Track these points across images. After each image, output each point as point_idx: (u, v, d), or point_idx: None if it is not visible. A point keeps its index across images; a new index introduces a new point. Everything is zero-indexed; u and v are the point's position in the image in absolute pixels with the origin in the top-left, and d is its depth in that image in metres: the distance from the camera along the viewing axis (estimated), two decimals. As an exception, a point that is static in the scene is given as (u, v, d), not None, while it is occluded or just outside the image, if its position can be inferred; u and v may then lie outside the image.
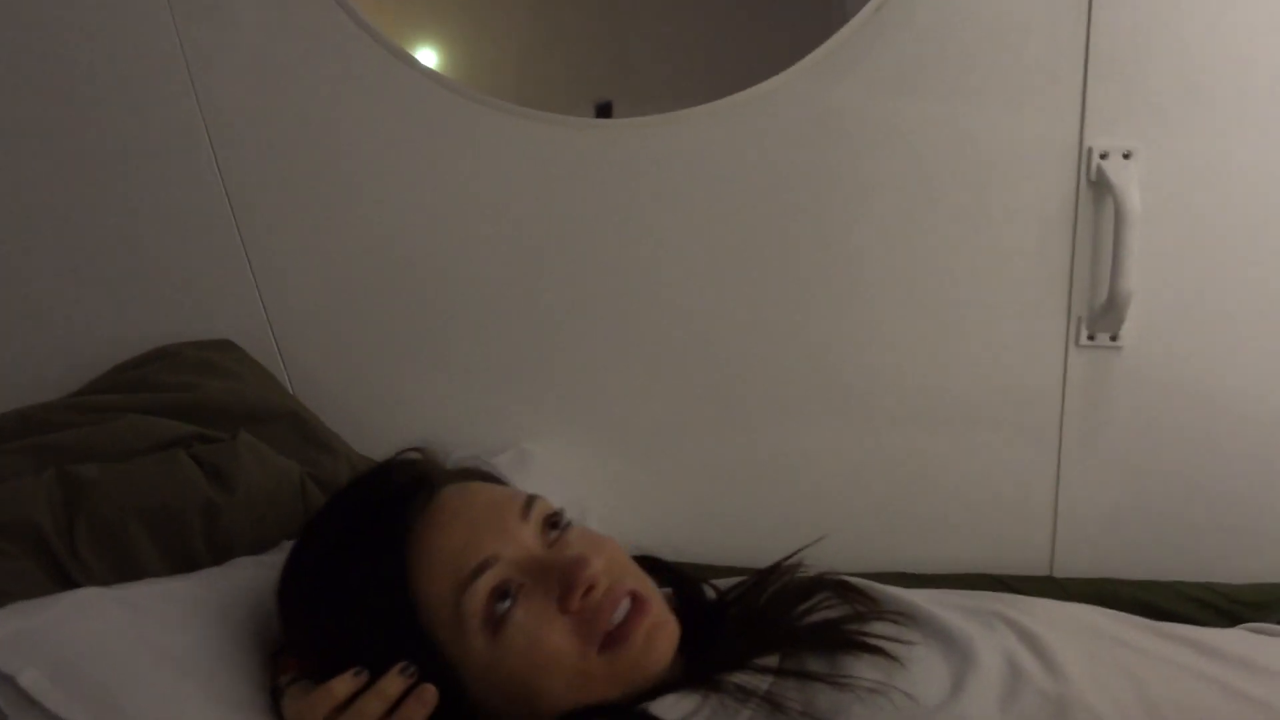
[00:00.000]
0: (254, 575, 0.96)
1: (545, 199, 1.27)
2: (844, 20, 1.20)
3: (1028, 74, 1.19)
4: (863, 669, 0.84)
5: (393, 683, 0.79)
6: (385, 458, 0.96)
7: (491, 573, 0.81)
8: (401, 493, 0.86)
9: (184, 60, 1.23)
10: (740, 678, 0.84)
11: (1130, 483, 1.31)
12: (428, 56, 1.88)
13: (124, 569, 0.98)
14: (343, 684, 0.79)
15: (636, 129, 1.24)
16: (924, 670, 0.85)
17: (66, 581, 0.95)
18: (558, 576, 0.82)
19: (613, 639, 0.82)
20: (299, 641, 0.87)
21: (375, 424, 1.33)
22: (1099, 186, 1.20)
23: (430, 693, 0.79)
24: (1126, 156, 1.20)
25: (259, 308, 1.31)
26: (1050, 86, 1.19)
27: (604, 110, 1.30)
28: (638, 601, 0.85)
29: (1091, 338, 1.26)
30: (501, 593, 0.81)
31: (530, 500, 0.88)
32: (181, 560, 1.01)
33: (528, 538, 0.85)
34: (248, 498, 1.06)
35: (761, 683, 0.84)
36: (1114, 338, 1.25)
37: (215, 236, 1.28)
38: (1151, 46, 1.17)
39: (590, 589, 0.82)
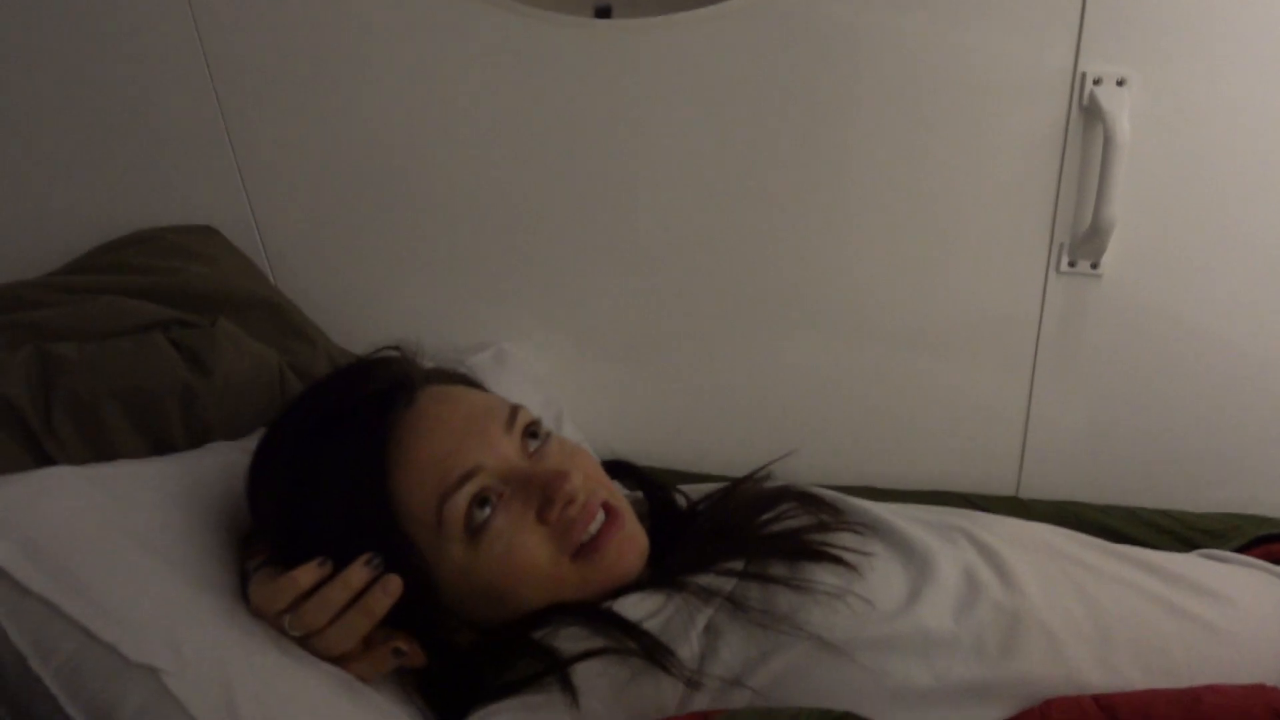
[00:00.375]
0: (228, 460, 0.96)
1: (537, 99, 1.25)
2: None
3: (1026, -5, 1.18)
4: (823, 575, 0.86)
5: (357, 573, 0.80)
6: (365, 352, 0.96)
7: (475, 481, 0.83)
8: (383, 391, 0.86)
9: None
10: (704, 579, 0.86)
11: (1100, 410, 1.33)
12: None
13: (100, 448, 0.99)
14: (307, 573, 0.80)
15: (632, 31, 1.22)
16: (882, 578, 0.87)
17: (42, 458, 0.96)
18: (538, 488, 0.85)
19: (586, 549, 0.86)
20: (268, 527, 0.88)
21: (354, 318, 1.34)
22: (1090, 113, 1.20)
23: (395, 583, 0.80)
24: (1120, 84, 1.19)
25: (242, 196, 1.30)
26: (1048, 9, 1.17)
27: (603, 12, 1.27)
28: (611, 514, 0.88)
29: (1073, 264, 1.26)
30: (482, 500, 0.83)
31: (514, 411, 0.89)
32: (157, 443, 1.02)
33: (509, 448, 0.87)
34: (225, 383, 1.06)
35: (725, 584, 0.86)
36: (1094, 266, 1.26)
37: (200, 123, 1.27)
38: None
39: (569, 502, 0.85)
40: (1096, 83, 1.19)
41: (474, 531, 0.83)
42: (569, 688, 0.79)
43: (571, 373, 1.36)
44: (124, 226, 1.26)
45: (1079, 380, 1.31)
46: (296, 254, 1.33)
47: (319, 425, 0.86)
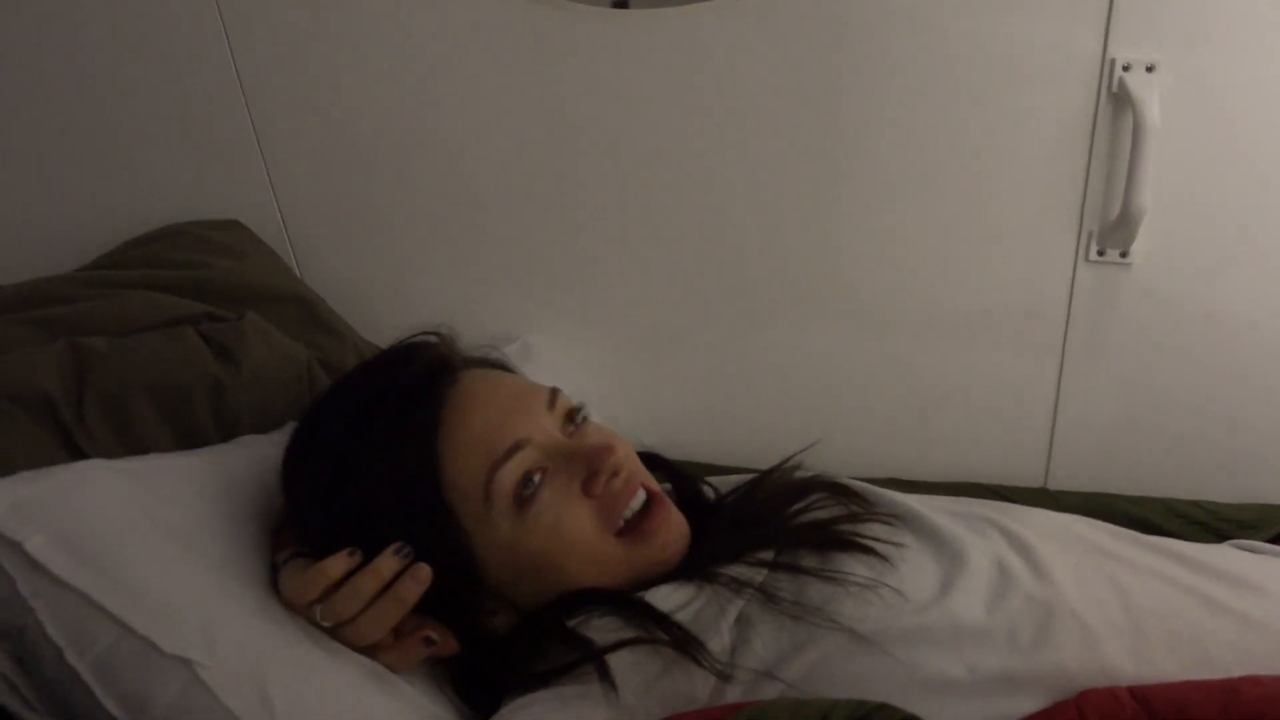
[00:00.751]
0: (258, 453, 0.97)
1: (559, 89, 1.25)
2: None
3: (1055, -19, 1.17)
4: (855, 566, 0.85)
5: (387, 562, 0.80)
6: (393, 343, 0.97)
7: (524, 454, 0.84)
8: (427, 373, 0.88)
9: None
10: (735, 570, 0.86)
11: (1129, 399, 1.32)
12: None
13: (131, 442, 0.99)
14: (337, 563, 0.80)
15: (653, 19, 1.22)
16: (914, 569, 0.86)
17: (75, 451, 0.96)
18: (584, 461, 0.86)
19: (632, 528, 0.88)
20: (306, 515, 0.88)
21: (380, 311, 1.34)
22: (1119, 99, 1.19)
23: (425, 571, 0.81)
24: (1150, 70, 1.18)
25: (269, 190, 1.30)
26: (1077, -5, 1.17)
27: (621, 2, 1.27)
28: (654, 497, 0.90)
29: (1101, 253, 1.25)
30: (530, 474, 0.84)
31: (554, 392, 0.91)
32: (187, 436, 1.02)
33: (551, 426, 0.88)
34: (254, 377, 1.06)
35: (755, 575, 0.86)
36: (1124, 254, 1.25)
37: (226, 117, 1.27)
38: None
39: (614, 474, 0.87)
40: (1126, 69, 1.18)
41: (522, 504, 0.84)
42: (606, 677, 0.79)
43: (596, 365, 1.36)
44: (152, 221, 1.27)
45: (1108, 370, 1.30)
46: (322, 247, 1.33)
47: (364, 408, 0.87)
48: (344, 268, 1.34)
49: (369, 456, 0.84)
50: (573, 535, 0.85)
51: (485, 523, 0.84)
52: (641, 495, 0.89)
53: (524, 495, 0.84)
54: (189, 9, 1.22)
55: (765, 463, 1.05)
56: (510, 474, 0.83)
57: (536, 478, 0.84)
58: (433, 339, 0.95)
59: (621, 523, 0.87)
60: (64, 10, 1.22)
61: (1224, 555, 0.96)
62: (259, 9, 1.23)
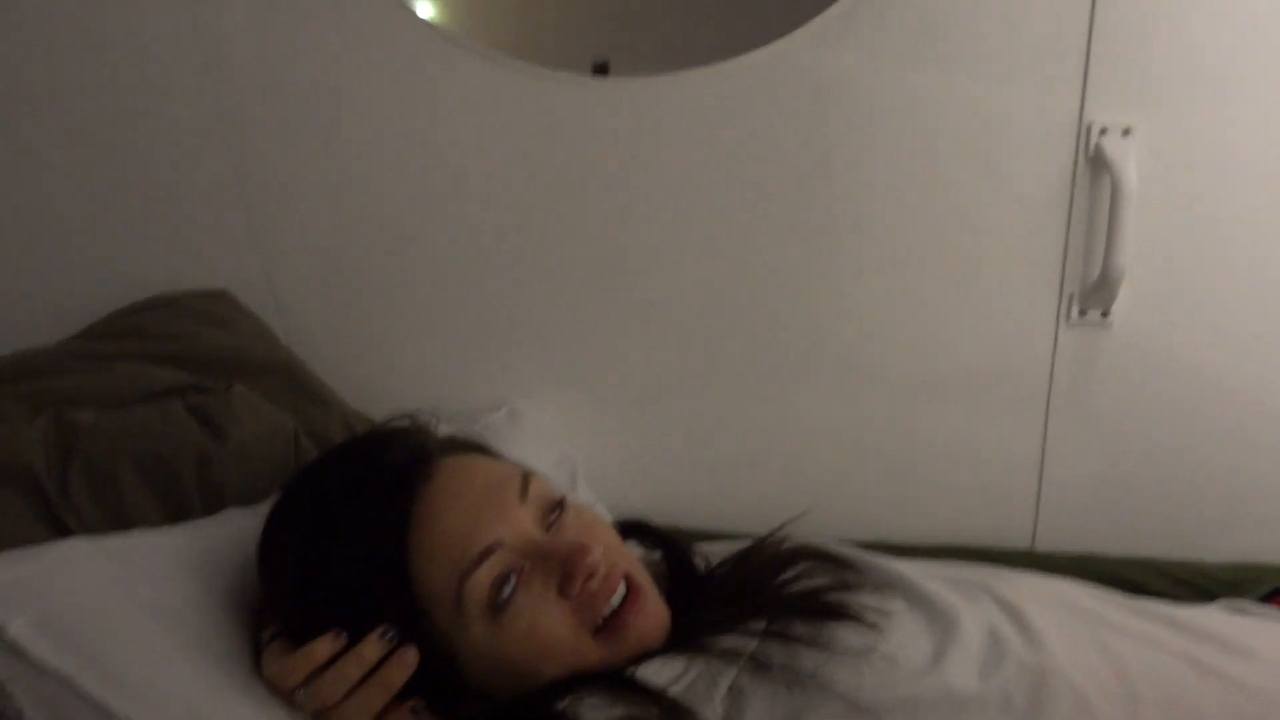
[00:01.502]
0: (243, 527, 0.95)
1: (541, 156, 1.26)
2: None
3: (1030, 47, 1.19)
4: (847, 634, 0.85)
5: (372, 647, 0.79)
6: (380, 417, 0.96)
7: (495, 559, 0.82)
8: (400, 465, 0.85)
9: (190, 6, 1.21)
10: (726, 640, 0.86)
11: (1115, 460, 1.32)
12: (424, 9, 1.86)
13: (117, 516, 0.99)
14: (322, 646, 0.79)
15: (634, 88, 1.24)
16: (907, 637, 0.86)
17: (59, 526, 0.96)
18: (559, 563, 0.83)
19: (608, 626, 0.85)
20: (279, 603, 0.87)
21: (368, 378, 1.34)
22: (1097, 163, 1.20)
23: (411, 655, 0.80)
24: (1126, 133, 1.20)
25: (257, 259, 1.31)
26: (1052, 61, 1.18)
27: (601, 69, 1.28)
28: (632, 588, 0.87)
29: (1083, 314, 1.26)
30: (502, 578, 0.82)
31: (527, 479, 0.88)
32: (174, 508, 1.02)
33: (526, 520, 0.86)
34: (240, 449, 1.06)
35: (747, 645, 0.85)
36: (1105, 315, 1.26)
37: (215, 187, 1.28)
38: (1155, 24, 1.16)
39: (590, 576, 0.84)
40: (1102, 132, 1.20)
41: (495, 610, 0.81)
42: None
43: (584, 429, 1.36)
44: (141, 290, 1.27)
45: (1093, 429, 1.31)
46: (311, 316, 1.33)
47: (335, 500, 0.85)
48: (332, 336, 1.34)
49: (340, 555, 0.82)
50: (549, 638, 0.83)
51: (459, 625, 0.82)
52: (621, 590, 0.86)
53: (498, 601, 0.81)
54: (182, 79, 1.23)
55: (754, 525, 1.05)
56: (481, 581, 0.81)
57: (511, 580, 0.82)
58: (408, 423, 0.93)
59: (600, 620, 0.85)
60: (56, 79, 1.23)
61: (1216, 618, 0.97)
62: (250, 81, 1.24)
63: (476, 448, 0.95)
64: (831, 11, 1.19)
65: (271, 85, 1.25)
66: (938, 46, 1.19)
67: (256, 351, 1.22)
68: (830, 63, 1.20)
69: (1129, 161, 1.18)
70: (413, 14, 1.22)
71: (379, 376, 1.34)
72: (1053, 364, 1.29)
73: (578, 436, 1.35)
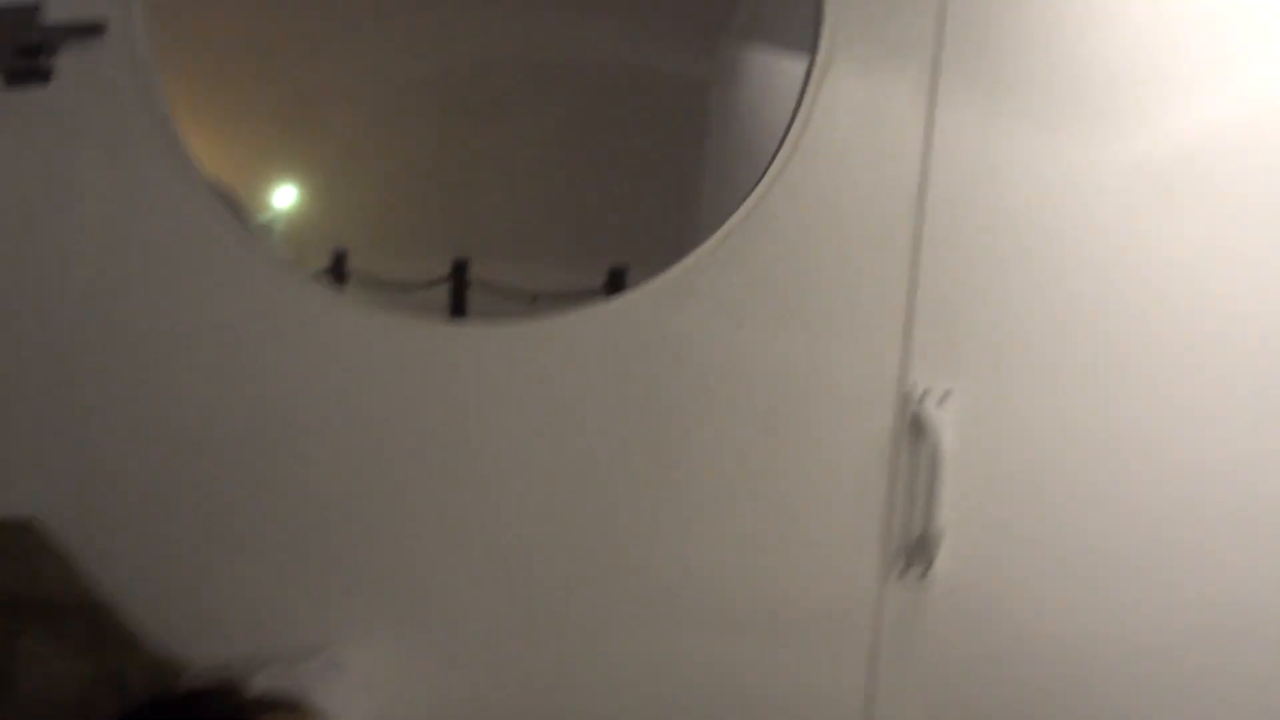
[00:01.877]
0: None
1: (387, 396, 1.26)
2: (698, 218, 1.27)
3: (856, 313, 1.25)
4: None
5: None
6: (192, 659, 0.91)
7: None
8: None
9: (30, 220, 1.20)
10: None
11: (940, 711, 1.33)
12: (286, 195, 1.87)
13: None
14: None
15: (485, 334, 1.26)
16: None
17: None
18: None
19: None
20: None
21: (189, 611, 1.28)
22: (916, 425, 1.26)
23: None
24: (945, 397, 1.26)
25: (72, 482, 1.25)
26: (874, 325, 1.25)
27: (460, 311, 1.31)
28: None
29: (907, 569, 1.29)
30: None
31: None
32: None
33: None
34: (28, 701, 1.00)
35: None
36: (927, 571, 1.29)
37: (37, 406, 1.23)
38: (974, 293, 1.25)
39: None
40: (923, 396, 1.26)
41: None
42: None
43: (417, 677, 1.31)
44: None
45: (918, 679, 1.32)
46: (127, 545, 1.28)
47: None
48: (151, 565, 1.28)
49: None
50: None
51: None
52: None
53: None
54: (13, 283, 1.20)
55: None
56: None
57: None
58: (220, 684, 0.90)
59: None
60: None
61: None
62: (87, 293, 1.22)
63: (290, 708, 0.91)
64: (672, 271, 1.25)
65: (110, 305, 1.24)
66: (769, 308, 1.25)
67: (55, 590, 1.16)
68: (670, 319, 1.25)
69: (947, 425, 1.24)
70: (265, 252, 1.23)
71: (200, 609, 1.28)
72: (878, 615, 1.31)
73: (409, 684, 1.30)
